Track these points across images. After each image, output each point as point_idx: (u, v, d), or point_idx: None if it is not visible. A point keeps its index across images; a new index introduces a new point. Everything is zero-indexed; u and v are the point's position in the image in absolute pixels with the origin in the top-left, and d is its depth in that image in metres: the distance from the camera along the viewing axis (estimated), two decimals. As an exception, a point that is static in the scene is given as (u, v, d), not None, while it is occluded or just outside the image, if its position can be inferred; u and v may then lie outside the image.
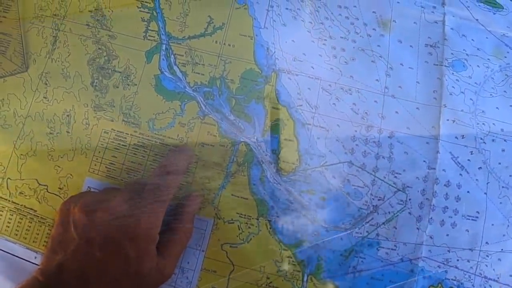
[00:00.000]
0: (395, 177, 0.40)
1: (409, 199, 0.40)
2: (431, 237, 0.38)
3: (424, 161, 0.40)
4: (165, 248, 0.33)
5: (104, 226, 0.31)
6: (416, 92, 0.42)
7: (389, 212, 0.39)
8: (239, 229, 0.38)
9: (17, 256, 0.38)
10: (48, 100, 0.40)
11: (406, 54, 0.43)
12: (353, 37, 0.43)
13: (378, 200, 0.40)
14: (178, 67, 0.40)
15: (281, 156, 0.39)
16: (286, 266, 0.38)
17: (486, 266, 0.38)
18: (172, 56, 0.41)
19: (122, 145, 0.39)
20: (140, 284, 0.31)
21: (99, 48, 0.42)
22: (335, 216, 0.39)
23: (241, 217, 0.38)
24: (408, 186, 0.40)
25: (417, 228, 0.39)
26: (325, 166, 0.40)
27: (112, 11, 0.41)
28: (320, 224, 0.39)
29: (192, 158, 0.38)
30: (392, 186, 0.40)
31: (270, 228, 0.38)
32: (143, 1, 0.42)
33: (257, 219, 0.38)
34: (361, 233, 0.38)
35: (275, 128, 0.39)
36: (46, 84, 0.40)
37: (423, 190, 0.40)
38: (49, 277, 0.31)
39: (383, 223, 0.39)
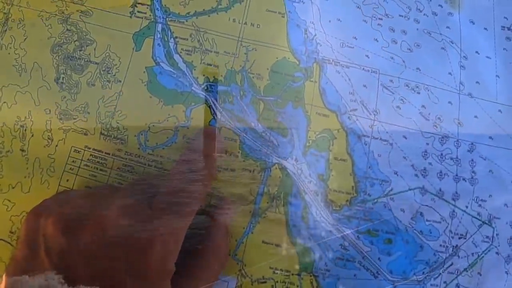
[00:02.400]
0: (480, 205, 0.27)
1: (497, 234, 0.28)
2: (521, 282, 0.27)
3: (513, 182, 0.28)
4: (186, 282, 0.21)
5: (92, 253, 0.19)
6: (496, 89, 0.30)
7: (472, 254, 0.27)
8: (274, 291, 0.24)
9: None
10: (-6, 104, 0.26)
11: (481, 39, 0.31)
12: (415, 16, 0.30)
13: (459, 238, 0.27)
14: (180, 56, 0.26)
15: (330, 184, 0.25)
16: (339, 338, 0.24)
17: None
18: (172, 40, 0.26)
19: (101, 170, 0.25)
20: None
21: (67, 30, 0.27)
22: (404, 264, 0.26)
23: (276, 273, 0.25)
24: (495, 217, 0.28)
25: (506, 272, 0.27)
26: (390, 195, 0.26)
27: (86, -23, 0.27)
28: (386, 276, 0.25)
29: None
30: (476, 218, 0.27)
31: (317, 287, 0.25)
32: (128, -38, 0.27)
33: (299, 275, 0.25)
34: (437, 285, 0.27)
35: (321, 143, 0.25)
36: (-8, 80, 0.26)
37: (513, 221, 0.27)
38: None
39: (465, 269, 0.27)
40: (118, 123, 0.25)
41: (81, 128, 0.26)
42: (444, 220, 0.27)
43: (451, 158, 0.27)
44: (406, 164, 0.27)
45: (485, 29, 0.31)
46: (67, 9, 0.27)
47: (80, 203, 0.21)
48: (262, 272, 0.25)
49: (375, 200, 0.26)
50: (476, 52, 0.30)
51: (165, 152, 0.25)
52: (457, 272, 0.26)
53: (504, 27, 0.31)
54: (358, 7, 0.29)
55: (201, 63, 0.26)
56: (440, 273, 0.26)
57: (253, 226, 0.25)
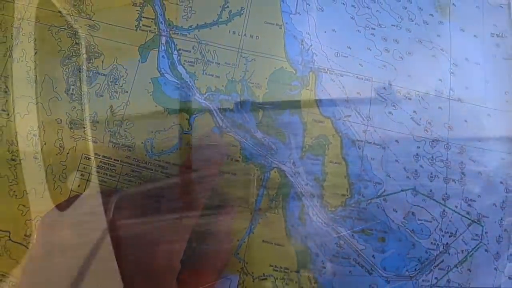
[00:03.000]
0: (469, 205, 0.29)
1: (486, 233, 0.29)
2: (510, 278, 0.29)
3: (501, 183, 0.29)
4: (191, 280, 0.23)
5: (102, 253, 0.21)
6: (485, 94, 0.31)
7: (462, 251, 0.28)
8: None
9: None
10: (8, 114, 0.28)
11: (470, 46, 0.32)
12: (407, 25, 0.31)
13: (449, 236, 0.28)
14: (183, 67, 0.27)
15: (326, 186, 0.26)
16: (336, 332, 0.26)
17: None
18: (176, 52, 0.28)
19: (110, 175, 0.26)
20: None
21: (76, 43, 0.28)
22: (397, 261, 0.27)
23: (276, 270, 0.26)
24: (484, 216, 0.29)
25: (495, 269, 0.29)
26: (383, 196, 0.27)
27: (93, -8, 0.28)
28: (380, 272, 0.27)
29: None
30: (466, 217, 0.28)
31: (314, 283, 0.26)
32: (133, -22, 0.28)
33: (298, 272, 0.26)
34: (429, 281, 0.28)
35: (317, 147, 0.27)
36: (6, 92, 0.28)
37: (501, 220, 0.29)
38: None
39: (456, 266, 0.28)
40: (125, 131, 0.27)
41: (90, 136, 0.27)
42: (435, 219, 0.28)
43: (442, 161, 0.29)
44: (398, 167, 0.28)
45: (475, 36, 0.32)
46: (75, 23, 0.28)
47: (91, 207, 0.23)
48: (263, 269, 0.26)
49: (369, 201, 0.27)
50: (466, 58, 0.31)
51: (170, 158, 0.26)
52: (448, 268, 0.28)
53: (493, 34, 0.32)
54: (352, 17, 0.30)
55: (203, 73, 0.27)
56: (432, 270, 0.27)
57: (253, 227, 0.26)
